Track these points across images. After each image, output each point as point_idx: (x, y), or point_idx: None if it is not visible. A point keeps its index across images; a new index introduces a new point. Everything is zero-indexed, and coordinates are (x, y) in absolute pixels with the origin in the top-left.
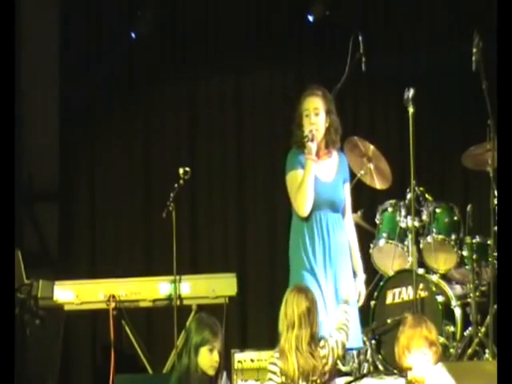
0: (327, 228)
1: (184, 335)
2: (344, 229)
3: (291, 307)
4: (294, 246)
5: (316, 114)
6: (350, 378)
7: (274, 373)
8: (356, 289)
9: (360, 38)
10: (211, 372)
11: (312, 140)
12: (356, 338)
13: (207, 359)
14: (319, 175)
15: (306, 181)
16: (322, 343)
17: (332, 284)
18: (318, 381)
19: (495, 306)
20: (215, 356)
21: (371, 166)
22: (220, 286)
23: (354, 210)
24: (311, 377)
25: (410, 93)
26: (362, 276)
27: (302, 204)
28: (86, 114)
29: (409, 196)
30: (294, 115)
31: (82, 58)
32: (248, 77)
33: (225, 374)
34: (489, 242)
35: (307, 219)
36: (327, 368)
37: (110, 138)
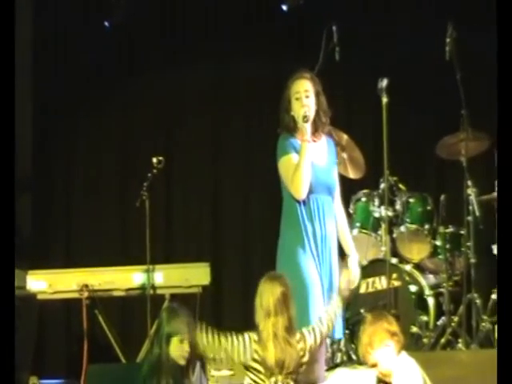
0: (323, 211)
1: (156, 325)
2: (334, 213)
3: (266, 296)
4: (289, 229)
5: (307, 97)
6: None
7: (255, 360)
8: (351, 269)
9: (334, 27)
10: (182, 361)
11: (307, 121)
12: (339, 328)
13: (178, 349)
14: (313, 158)
15: (303, 163)
16: (298, 337)
17: (328, 268)
18: (294, 374)
19: (468, 296)
20: (186, 346)
21: (345, 155)
22: (193, 276)
23: None
24: (287, 367)
25: (384, 83)
26: (355, 257)
27: (300, 186)
28: (61, 103)
29: (382, 186)
30: (282, 101)
31: (57, 46)
32: (222, 66)
33: (198, 363)
34: (462, 232)
35: (304, 203)
36: (304, 360)
37: (85, 127)
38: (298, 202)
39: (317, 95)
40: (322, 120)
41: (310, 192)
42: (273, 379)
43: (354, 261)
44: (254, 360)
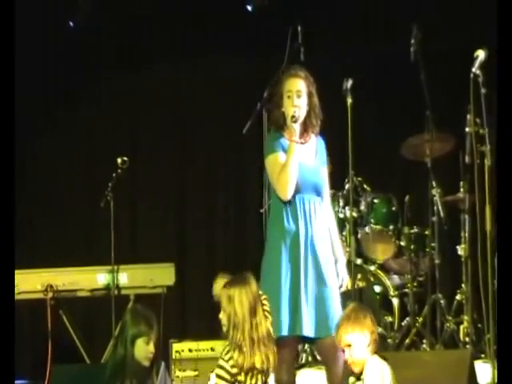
0: (309, 211)
1: (119, 326)
2: (324, 213)
3: (239, 302)
4: (274, 228)
5: (298, 96)
6: None
7: (227, 371)
8: (339, 274)
9: (299, 27)
10: (146, 363)
11: (296, 122)
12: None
13: (143, 350)
14: (300, 158)
15: (289, 163)
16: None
17: (314, 269)
18: (262, 378)
19: (432, 296)
20: (151, 347)
21: None
22: (158, 276)
23: None
24: (268, 370)
25: (349, 83)
26: (343, 260)
27: (285, 186)
28: (24, 104)
29: (347, 186)
30: (273, 95)
31: (25, 44)
32: (186, 67)
33: (163, 364)
34: (426, 233)
35: (290, 202)
36: (269, 366)
37: (49, 126)
38: (284, 201)
39: (309, 96)
40: (313, 122)
41: (297, 192)
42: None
43: (342, 264)
44: (222, 368)
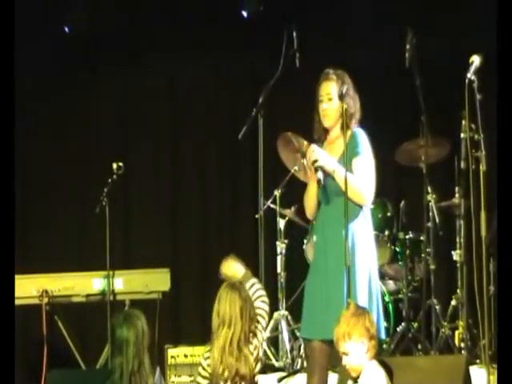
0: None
1: (110, 333)
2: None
3: (223, 306)
4: None
5: (329, 99)
6: (283, 374)
7: (204, 368)
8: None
9: (294, 33)
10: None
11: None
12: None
13: (136, 355)
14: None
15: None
16: (254, 346)
17: (333, 278)
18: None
19: (427, 302)
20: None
21: (305, 161)
22: (153, 282)
23: (288, 206)
24: (243, 376)
25: (344, 88)
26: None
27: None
28: (19, 107)
29: None
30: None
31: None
32: (182, 71)
33: (158, 369)
34: (422, 238)
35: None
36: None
37: (44, 131)
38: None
39: (341, 98)
40: (347, 122)
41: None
42: None
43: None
44: (202, 367)
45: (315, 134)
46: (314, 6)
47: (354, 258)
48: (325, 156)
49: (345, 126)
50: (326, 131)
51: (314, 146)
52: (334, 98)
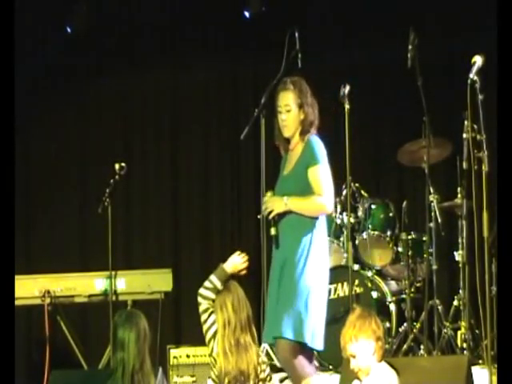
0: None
1: (112, 332)
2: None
3: (220, 309)
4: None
5: (287, 111)
6: (284, 375)
7: (212, 368)
8: None
9: (296, 34)
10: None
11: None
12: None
13: (138, 355)
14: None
15: None
16: (262, 349)
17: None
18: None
19: (430, 302)
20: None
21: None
22: (155, 282)
23: None
24: (248, 376)
25: (346, 89)
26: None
27: None
28: (20, 108)
29: (344, 192)
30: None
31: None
32: (184, 71)
33: (160, 369)
34: (424, 239)
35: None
36: (262, 376)
37: (45, 132)
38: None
39: (300, 107)
40: (307, 129)
41: None
42: None
43: None
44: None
45: (276, 140)
46: (315, 6)
47: (304, 270)
48: (277, 202)
49: (347, 128)
50: (287, 140)
51: (265, 198)
52: (292, 108)
